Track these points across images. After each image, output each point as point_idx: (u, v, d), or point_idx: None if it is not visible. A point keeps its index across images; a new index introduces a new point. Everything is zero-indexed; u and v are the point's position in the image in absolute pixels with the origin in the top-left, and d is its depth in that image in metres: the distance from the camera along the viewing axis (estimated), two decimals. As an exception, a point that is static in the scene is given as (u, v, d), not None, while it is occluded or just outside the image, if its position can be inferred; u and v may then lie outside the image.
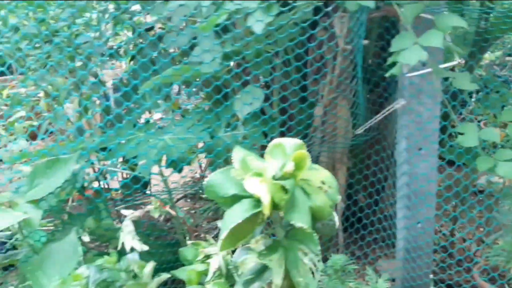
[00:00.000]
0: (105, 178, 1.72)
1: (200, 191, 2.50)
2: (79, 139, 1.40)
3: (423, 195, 1.68)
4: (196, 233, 1.60)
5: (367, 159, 1.96)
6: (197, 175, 2.88)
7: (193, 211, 2.51)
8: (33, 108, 1.65)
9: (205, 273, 1.23)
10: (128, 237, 1.22)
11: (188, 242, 1.31)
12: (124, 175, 1.96)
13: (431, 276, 1.64)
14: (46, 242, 1.43)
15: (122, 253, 1.52)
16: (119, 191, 1.91)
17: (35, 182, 1.30)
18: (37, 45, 1.58)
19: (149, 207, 1.32)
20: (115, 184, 1.98)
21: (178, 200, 2.59)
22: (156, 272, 1.27)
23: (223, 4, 1.40)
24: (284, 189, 0.97)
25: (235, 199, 1.03)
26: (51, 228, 1.58)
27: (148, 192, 1.89)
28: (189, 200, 2.59)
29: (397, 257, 1.85)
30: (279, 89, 1.56)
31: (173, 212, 1.35)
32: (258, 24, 1.35)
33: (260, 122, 1.57)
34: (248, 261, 1.13)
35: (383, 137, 1.97)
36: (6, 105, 1.77)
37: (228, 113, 1.56)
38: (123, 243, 1.26)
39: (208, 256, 1.25)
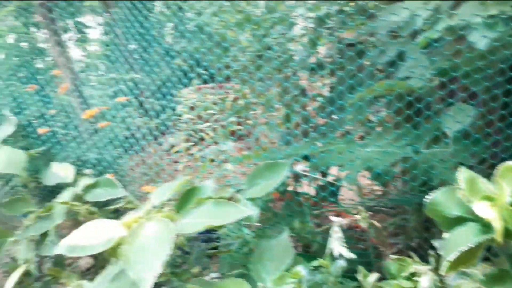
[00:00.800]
0: (301, 183, 1.82)
1: (382, 204, 2.48)
2: (296, 146, 1.51)
3: None
4: (391, 247, 1.60)
5: None
6: (376, 188, 2.84)
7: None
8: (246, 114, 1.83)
9: (409, 290, 1.22)
10: (337, 243, 1.28)
11: (392, 256, 1.32)
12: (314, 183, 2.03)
13: None
14: (257, 237, 1.58)
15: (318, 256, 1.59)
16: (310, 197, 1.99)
17: (254, 182, 1.44)
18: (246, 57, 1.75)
19: (357, 217, 1.36)
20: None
21: (358, 212, 2.60)
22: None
23: (442, 20, 1.38)
24: (521, 217, 0.92)
25: (459, 221, 1.01)
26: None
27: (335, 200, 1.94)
28: (369, 212, 2.58)
29: None
30: (494, 107, 1.47)
31: (378, 225, 1.38)
32: (482, 39, 1.29)
33: (469, 141, 1.50)
34: (463, 286, 1.09)
35: None
36: (222, 110, 1.99)
37: (434, 130, 1.52)
38: (327, 248, 1.32)
39: (413, 274, 1.24)
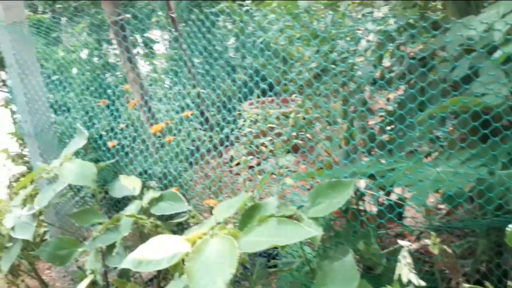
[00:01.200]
0: (364, 202, 1.77)
1: (449, 226, 2.36)
2: (361, 164, 1.47)
3: None
4: (459, 271, 1.51)
5: None
6: (442, 206, 2.71)
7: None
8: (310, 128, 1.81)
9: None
10: (406, 269, 1.22)
11: (465, 285, 1.24)
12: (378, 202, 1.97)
13: None
14: (318, 257, 1.54)
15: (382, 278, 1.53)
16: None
17: (317, 201, 1.41)
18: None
19: (426, 241, 1.29)
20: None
21: (421, 232, 2.48)
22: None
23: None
24: None
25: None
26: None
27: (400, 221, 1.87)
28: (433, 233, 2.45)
29: None
30: None
31: (449, 250, 1.30)
32: None
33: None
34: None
35: None
36: (283, 125, 1.98)
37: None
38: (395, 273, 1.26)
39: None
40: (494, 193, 1.43)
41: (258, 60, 1.54)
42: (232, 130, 2.07)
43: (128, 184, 1.79)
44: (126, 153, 1.93)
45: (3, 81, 2.94)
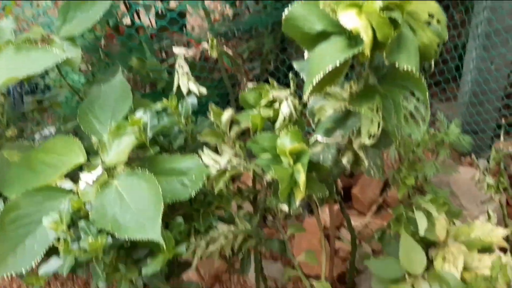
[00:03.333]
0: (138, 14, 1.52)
1: (234, 29, 2.28)
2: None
3: (507, 33, 1.48)
4: (248, 74, 1.45)
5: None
6: (228, 12, 2.61)
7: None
8: None
9: (269, 119, 1.10)
10: (184, 79, 1.07)
11: (249, 84, 1.15)
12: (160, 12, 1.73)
13: (503, 121, 1.52)
14: (87, 83, 1.30)
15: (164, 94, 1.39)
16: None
17: (69, 16, 1.10)
18: None
19: (204, 45, 1.13)
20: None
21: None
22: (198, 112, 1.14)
23: None
24: (392, 23, 0.77)
25: (322, 36, 0.84)
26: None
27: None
28: (221, 39, 2.36)
29: (460, 100, 1.72)
30: None
31: (229, 52, 1.17)
32: None
33: None
34: (327, 108, 0.99)
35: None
36: None
37: None
38: (177, 86, 1.11)
39: (273, 101, 1.10)
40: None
41: None
42: None
43: None
44: None
45: None
